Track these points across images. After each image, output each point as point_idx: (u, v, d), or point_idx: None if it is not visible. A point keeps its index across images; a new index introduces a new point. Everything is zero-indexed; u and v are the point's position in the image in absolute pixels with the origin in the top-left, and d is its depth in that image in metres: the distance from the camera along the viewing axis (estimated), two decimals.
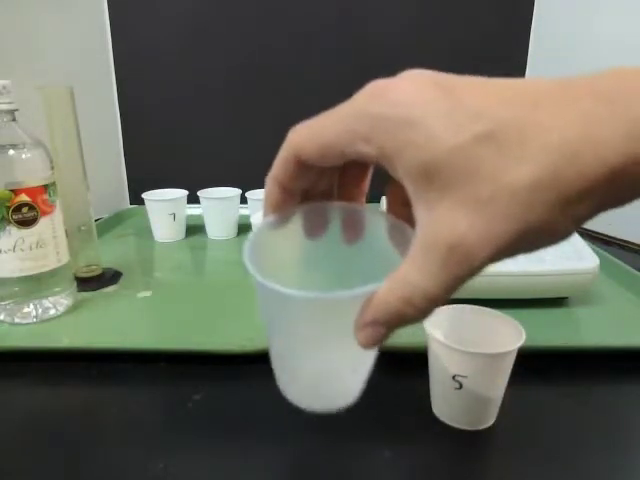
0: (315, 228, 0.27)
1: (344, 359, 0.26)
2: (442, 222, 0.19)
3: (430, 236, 0.19)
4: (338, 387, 0.28)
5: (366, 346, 0.22)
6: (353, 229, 0.27)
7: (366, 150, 0.20)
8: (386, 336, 0.22)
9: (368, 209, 0.27)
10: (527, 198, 0.17)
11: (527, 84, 0.19)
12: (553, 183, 0.17)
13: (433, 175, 0.19)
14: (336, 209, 0.27)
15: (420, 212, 0.20)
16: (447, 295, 0.20)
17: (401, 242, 0.24)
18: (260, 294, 0.23)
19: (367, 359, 0.26)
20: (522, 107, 0.18)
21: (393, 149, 0.19)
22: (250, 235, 0.24)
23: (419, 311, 0.20)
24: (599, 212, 0.18)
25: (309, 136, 0.22)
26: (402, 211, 0.25)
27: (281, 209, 0.25)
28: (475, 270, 0.19)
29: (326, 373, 0.27)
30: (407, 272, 0.20)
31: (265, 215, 0.26)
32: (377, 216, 0.26)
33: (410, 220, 0.25)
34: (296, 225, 0.26)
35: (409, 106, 0.19)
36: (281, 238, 0.26)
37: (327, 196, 0.27)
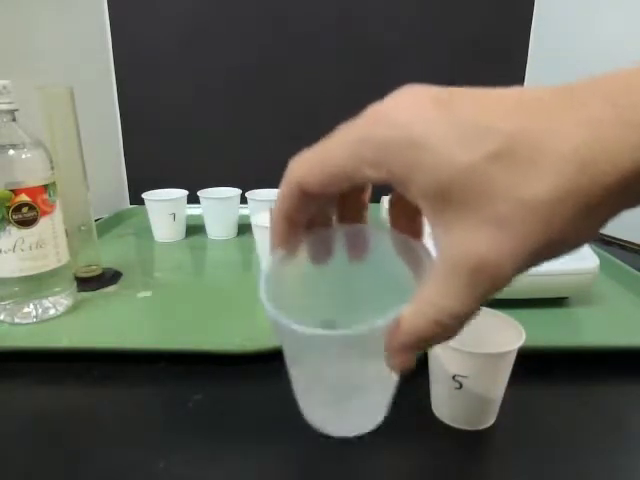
0: (322, 255, 0.27)
1: (369, 384, 0.26)
2: (462, 243, 0.19)
3: (452, 258, 0.19)
4: (367, 412, 0.28)
5: (399, 371, 0.22)
6: (358, 248, 0.27)
7: (374, 175, 0.20)
8: (415, 358, 0.22)
9: (371, 226, 0.27)
10: (545, 213, 0.17)
11: (528, 92, 0.19)
12: (570, 195, 0.17)
13: (448, 196, 0.18)
14: (339, 232, 0.27)
15: (439, 233, 0.20)
16: (475, 311, 0.20)
17: (410, 257, 0.24)
18: (281, 333, 0.24)
19: (391, 379, 0.26)
20: (529, 117, 0.18)
21: (403, 172, 0.19)
22: (262, 273, 0.24)
23: (448, 330, 0.20)
24: (616, 214, 0.18)
25: (312, 167, 0.22)
26: (407, 224, 0.25)
27: (288, 241, 0.25)
28: (500, 286, 0.19)
29: (355, 401, 0.27)
30: (432, 295, 0.20)
31: (273, 249, 0.26)
32: (382, 233, 0.26)
33: (415, 233, 0.25)
34: (304, 255, 0.26)
35: (412, 126, 0.19)
36: (291, 271, 0.26)
37: (330, 218, 0.27)
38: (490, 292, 0.19)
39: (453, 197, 0.18)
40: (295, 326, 0.21)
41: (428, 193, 0.19)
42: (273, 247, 0.26)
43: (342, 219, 0.27)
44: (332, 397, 0.27)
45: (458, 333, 0.21)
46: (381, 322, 0.21)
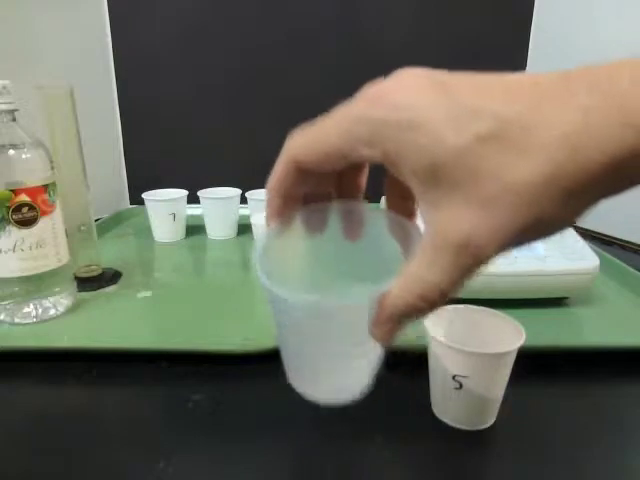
0: (315, 228, 0.27)
1: (357, 354, 0.27)
2: (450, 221, 0.19)
3: (439, 234, 0.20)
4: (352, 380, 0.28)
5: (383, 342, 0.23)
6: (353, 225, 0.27)
7: (370, 154, 0.21)
8: (400, 330, 0.22)
9: (367, 205, 0.27)
10: (532, 195, 0.18)
11: (524, 78, 0.19)
12: (556, 179, 0.18)
13: (439, 176, 0.19)
14: (335, 208, 0.27)
15: (428, 211, 0.21)
16: (458, 287, 0.21)
17: (402, 235, 0.25)
18: (272, 301, 0.24)
19: (378, 350, 0.27)
20: (521, 103, 0.18)
21: (397, 152, 0.20)
22: (257, 245, 0.25)
23: (432, 305, 0.21)
24: (602, 199, 0.19)
25: (309, 143, 0.23)
26: (401, 205, 0.26)
27: (283, 215, 0.26)
28: (483, 263, 0.20)
29: (341, 369, 0.28)
30: (419, 269, 0.21)
31: (268, 222, 0.26)
32: (376, 212, 0.27)
33: (409, 213, 0.26)
34: (298, 229, 0.27)
35: (410, 108, 0.19)
36: (286, 243, 0.27)
37: (326, 198, 0.27)
38: (473, 268, 0.20)
39: (442, 176, 0.19)
40: (283, 293, 0.22)
41: (419, 172, 0.20)
42: (268, 220, 0.26)
43: (339, 197, 0.27)
44: (316, 363, 0.28)
45: (440, 307, 0.21)
46: (368, 293, 0.21)
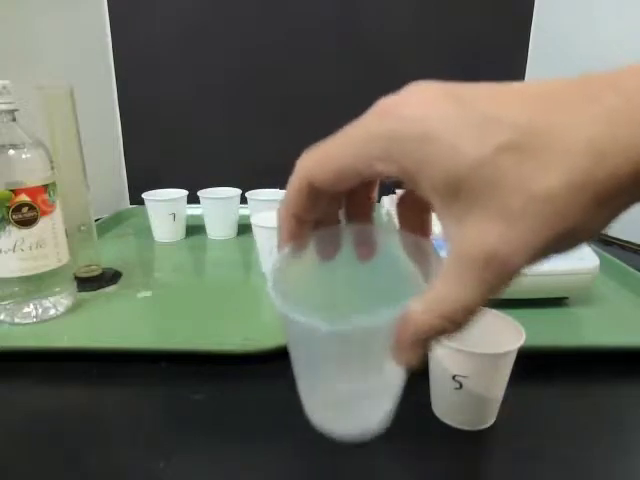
0: (328, 251, 0.27)
1: (377, 383, 0.26)
2: (474, 236, 0.19)
3: (463, 251, 0.19)
4: (371, 412, 0.27)
5: (407, 366, 0.22)
6: (365, 246, 0.27)
7: (385, 169, 0.20)
8: (425, 352, 0.21)
9: (380, 227, 0.27)
10: (559, 205, 0.17)
11: (539, 86, 0.19)
12: (584, 186, 0.17)
13: (459, 189, 0.18)
14: (348, 230, 0.26)
15: (450, 227, 0.20)
16: (484, 305, 0.20)
17: (418, 255, 0.24)
18: (287, 326, 0.23)
19: (398, 378, 0.26)
20: (540, 109, 0.18)
21: (413, 166, 0.19)
22: (270, 268, 0.24)
23: (457, 325, 0.20)
24: (629, 207, 0.18)
25: (322, 163, 0.22)
26: (415, 224, 0.25)
27: (296, 238, 0.25)
28: (511, 278, 0.19)
29: (361, 399, 0.27)
30: (443, 288, 0.20)
31: (280, 246, 0.25)
32: (389, 232, 0.26)
33: (423, 232, 0.25)
34: (311, 251, 0.26)
35: (424, 121, 0.19)
36: (299, 267, 0.26)
37: (335, 220, 0.26)
38: (501, 286, 0.19)
39: (464, 190, 0.18)
40: (302, 318, 0.21)
41: (439, 187, 0.19)
42: (280, 243, 0.25)
43: (349, 217, 0.27)
44: (335, 395, 0.27)
45: (466, 327, 0.20)
46: (388, 314, 0.20)
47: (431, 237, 0.26)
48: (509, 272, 0.19)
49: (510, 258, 0.18)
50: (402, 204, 0.26)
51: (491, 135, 0.18)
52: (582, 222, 0.18)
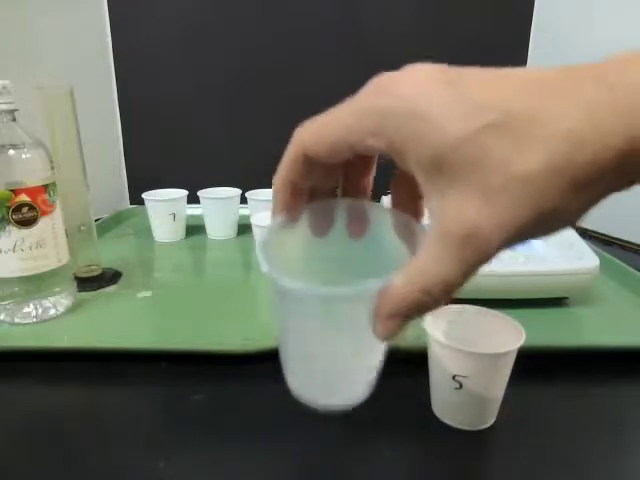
0: (322, 226, 0.27)
1: (357, 353, 0.26)
2: (455, 212, 0.19)
3: (444, 226, 0.20)
4: (352, 383, 0.28)
5: (385, 338, 0.22)
6: (358, 224, 0.27)
7: (376, 144, 0.21)
8: (404, 327, 0.22)
9: (373, 204, 0.27)
10: (538, 186, 0.18)
11: (530, 73, 0.19)
12: (563, 170, 0.17)
13: (444, 165, 0.19)
14: (341, 205, 0.27)
15: (433, 202, 0.20)
16: (463, 282, 0.20)
17: (408, 235, 0.25)
18: (275, 291, 0.24)
19: (379, 352, 0.26)
20: (528, 96, 0.18)
21: (402, 142, 0.20)
22: (262, 236, 0.25)
23: (436, 300, 0.21)
24: (608, 195, 0.19)
25: (316, 134, 0.23)
26: (408, 204, 0.26)
27: (290, 208, 0.25)
28: (490, 256, 0.19)
29: (340, 370, 0.27)
30: (423, 262, 0.20)
31: (274, 215, 0.26)
32: (382, 210, 0.27)
33: (416, 213, 0.26)
34: (304, 224, 0.27)
35: (416, 98, 0.19)
36: (290, 237, 0.26)
37: (333, 193, 0.27)
38: (478, 262, 0.19)
39: (448, 166, 0.19)
40: (287, 280, 0.21)
41: (424, 162, 0.19)
42: (274, 212, 0.26)
43: (346, 191, 0.27)
44: (317, 365, 0.27)
45: (444, 303, 0.21)
46: (371, 284, 0.21)
47: (422, 220, 0.26)
48: (486, 250, 0.19)
49: (488, 236, 0.19)
50: (396, 186, 0.26)
51: (478, 115, 0.18)
52: (560, 205, 0.18)
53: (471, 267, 0.20)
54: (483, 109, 0.18)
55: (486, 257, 0.19)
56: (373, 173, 0.27)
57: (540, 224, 0.19)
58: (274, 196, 0.25)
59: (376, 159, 0.26)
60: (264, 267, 0.23)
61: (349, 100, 0.22)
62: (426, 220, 0.25)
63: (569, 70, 0.19)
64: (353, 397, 0.28)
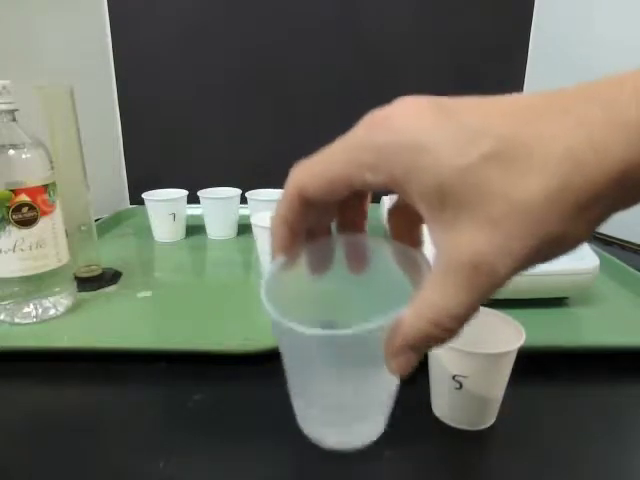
0: (320, 265, 0.27)
1: (369, 391, 0.26)
2: (460, 243, 0.19)
3: (451, 258, 0.19)
4: (364, 421, 0.28)
5: (398, 373, 0.22)
6: (357, 259, 0.27)
7: (375, 179, 0.20)
8: (416, 361, 0.22)
9: (371, 237, 0.27)
10: (540, 212, 0.18)
11: (522, 99, 0.20)
12: (563, 193, 0.17)
13: (446, 197, 0.19)
14: (339, 242, 0.27)
15: (437, 234, 0.20)
16: (473, 312, 0.20)
17: (409, 266, 0.25)
18: (279, 335, 0.24)
19: (392, 387, 0.26)
20: (522, 121, 0.18)
21: (403, 175, 0.20)
22: (263, 278, 0.25)
23: (447, 332, 0.20)
24: (610, 214, 0.19)
25: (314, 173, 0.22)
26: (406, 233, 0.26)
27: (288, 248, 0.25)
28: (499, 285, 0.19)
29: (352, 408, 0.27)
30: (432, 295, 0.20)
31: (273, 256, 0.26)
32: (381, 243, 0.27)
33: (414, 241, 0.26)
34: (304, 264, 0.27)
35: (412, 131, 0.19)
36: (291, 278, 0.26)
37: (327, 232, 0.27)
38: (487, 292, 0.19)
39: (450, 198, 0.19)
40: (294, 325, 0.21)
41: (426, 194, 0.19)
42: (274, 253, 0.26)
43: (342, 227, 0.27)
44: (326, 407, 0.27)
45: (457, 335, 0.21)
46: (380, 322, 0.21)
47: (422, 248, 0.26)
48: (495, 279, 0.19)
49: (495, 265, 0.19)
50: (393, 216, 0.26)
51: (475, 145, 0.18)
52: (563, 228, 0.18)
53: (480, 297, 0.19)
54: (479, 137, 0.18)
55: (495, 287, 0.19)
56: (369, 203, 0.27)
57: (546, 249, 0.19)
58: (273, 236, 0.25)
59: (370, 193, 0.26)
60: (267, 309, 0.22)
61: (343, 137, 0.21)
62: (426, 248, 0.24)
63: (559, 94, 0.19)
64: (364, 437, 0.27)
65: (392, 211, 0.26)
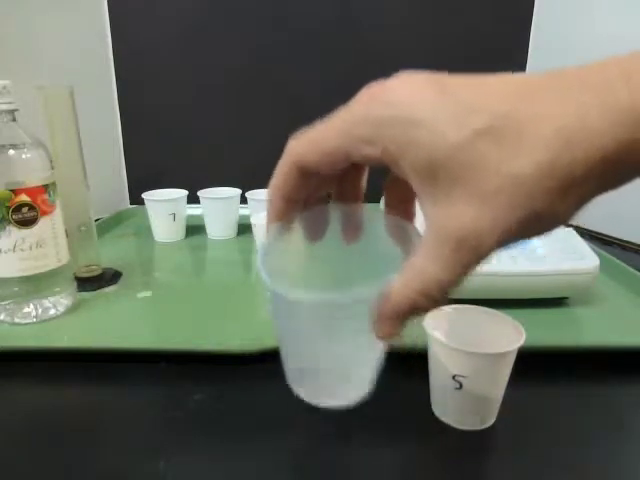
0: (315, 232, 0.28)
1: (357, 354, 0.27)
2: (451, 215, 0.20)
3: (440, 229, 0.20)
4: (352, 382, 0.28)
5: (385, 339, 0.23)
6: (352, 229, 0.27)
7: (370, 152, 0.21)
8: (403, 327, 0.23)
9: (366, 208, 0.27)
10: (530, 187, 0.18)
11: (519, 78, 0.20)
12: (553, 171, 0.18)
13: (438, 171, 0.19)
14: (335, 211, 0.27)
15: (428, 207, 0.21)
16: (459, 283, 0.21)
17: (402, 237, 0.25)
18: (274, 301, 0.25)
19: (378, 351, 0.27)
20: (517, 99, 0.19)
21: (397, 149, 0.20)
22: (258, 247, 0.26)
23: (434, 300, 0.21)
24: (598, 194, 0.19)
25: (311, 144, 0.23)
26: (400, 207, 0.26)
27: (284, 218, 0.26)
28: (484, 257, 0.20)
29: (340, 369, 0.28)
30: (420, 265, 0.21)
31: (269, 223, 0.26)
32: (375, 214, 0.27)
33: (408, 216, 0.26)
34: (299, 231, 0.27)
35: (408, 106, 0.20)
36: (287, 245, 0.27)
37: (325, 200, 0.27)
38: (474, 262, 0.20)
39: (441, 171, 0.19)
40: (286, 290, 0.22)
41: (419, 168, 0.20)
42: (270, 222, 0.26)
43: (339, 198, 0.27)
44: (318, 367, 0.28)
45: (442, 303, 0.22)
46: (369, 289, 0.22)
47: (415, 221, 0.26)
48: (481, 251, 0.20)
49: (482, 237, 0.19)
50: (388, 190, 0.27)
51: (470, 121, 0.19)
52: (549, 204, 0.18)
53: (466, 268, 0.20)
54: (474, 113, 0.19)
55: (481, 258, 0.20)
56: (366, 176, 0.27)
57: (532, 224, 0.19)
58: (269, 205, 0.26)
59: (367, 167, 0.26)
60: (264, 278, 0.23)
61: (341, 110, 0.22)
62: (418, 222, 0.25)
63: (555, 74, 0.19)
64: (354, 396, 0.28)
65: (388, 185, 0.26)
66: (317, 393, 0.29)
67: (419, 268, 0.21)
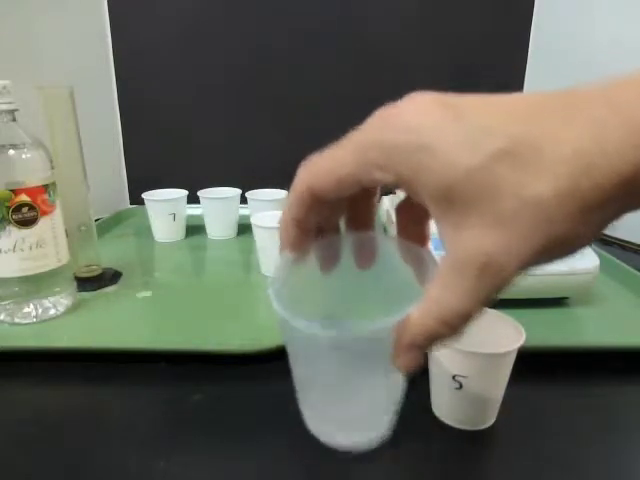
0: (329, 261, 0.27)
1: (377, 391, 0.26)
2: (469, 242, 0.19)
3: (458, 256, 0.20)
4: (372, 422, 0.28)
5: (406, 371, 0.22)
6: (365, 256, 0.27)
7: (383, 178, 0.20)
8: (422, 358, 0.22)
9: (379, 235, 0.27)
10: (549, 211, 0.18)
11: (531, 97, 0.19)
12: (572, 194, 0.17)
13: (454, 197, 0.19)
14: (348, 240, 0.27)
15: (446, 233, 0.20)
16: (480, 311, 0.20)
17: (416, 263, 0.25)
18: (287, 334, 0.24)
19: (399, 387, 0.26)
20: (531, 121, 0.18)
21: (411, 175, 0.20)
22: (272, 275, 0.25)
23: (454, 330, 0.20)
24: (618, 217, 0.19)
25: (322, 170, 0.22)
26: (413, 230, 0.26)
27: (299, 246, 0.25)
28: (506, 285, 0.19)
29: (359, 408, 0.27)
30: (439, 294, 0.20)
31: (281, 252, 0.26)
32: (388, 240, 0.27)
33: (421, 238, 0.26)
34: (312, 261, 0.27)
35: (420, 130, 0.19)
36: (300, 274, 0.26)
37: (336, 228, 0.27)
38: (495, 290, 0.19)
39: (459, 197, 0.19)
40: (303, 324, 0.21)
41: (435, 194, 0.19)
42: (282, 249, 0.26)
43: (351, 223, 0.27)
44: (335, 407, 0.27)
45: (464, 332, 0.21)
46: (388, 321, 0.21)
47: (429, 244, 0.26)
48: (503, 278, 0.19)
49: (504, 264, 0.19)
50: (400, 213, 0.26)
51: (485, 144, 0.18)
52: (571, 229, 0.18)
53: (487, 296, 0.20)
54: (489, 136, 0.18)
55: (502, 286, 0.19)
56: (378, 197, 0.27)
57: (554, 248, 0.19)
58: (282, 233, 0.25)
59: (379, 189, 0.26)
60: (275, 306, 0.22)
61: (352, 134, 0.21)
62: (433, 235, 0.25)
63: (570, 94, 0.19)
64: (373, 436, 0.27)
65: (400, 208, 0.26)
66: (333, 432, 0.28)
67: (437, 296, 0.20)
